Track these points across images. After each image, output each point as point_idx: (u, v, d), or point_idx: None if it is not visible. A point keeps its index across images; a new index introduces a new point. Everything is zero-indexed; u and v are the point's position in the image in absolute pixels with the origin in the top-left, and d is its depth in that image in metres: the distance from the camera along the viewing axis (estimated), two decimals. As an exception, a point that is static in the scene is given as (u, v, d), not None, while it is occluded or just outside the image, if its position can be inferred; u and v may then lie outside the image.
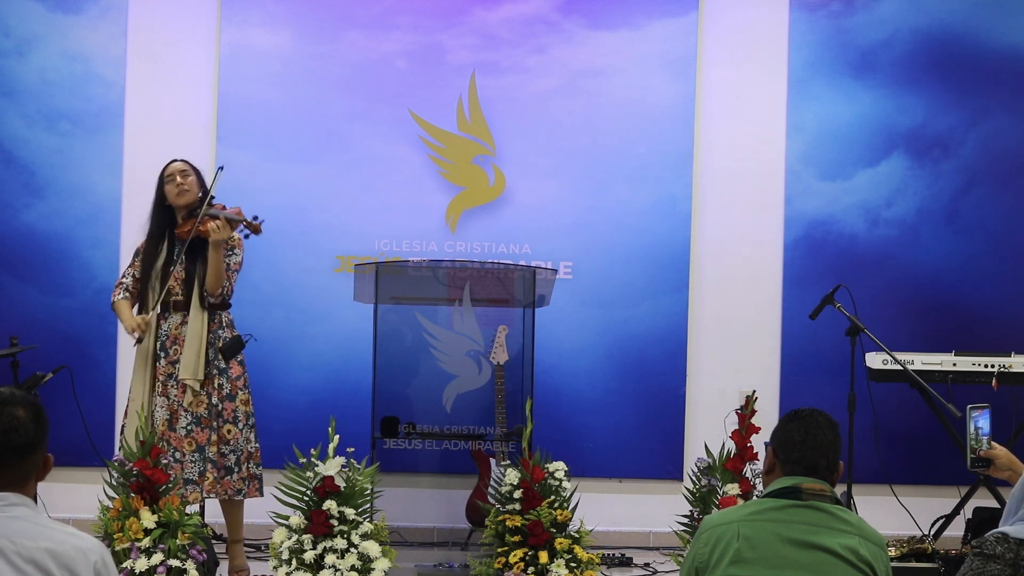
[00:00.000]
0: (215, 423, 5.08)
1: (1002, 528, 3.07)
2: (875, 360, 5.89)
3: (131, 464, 4.63)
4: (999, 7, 6.58)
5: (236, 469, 5.10)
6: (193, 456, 5.06)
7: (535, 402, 5.27)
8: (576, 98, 6.52)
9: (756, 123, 6.56)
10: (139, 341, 5.12)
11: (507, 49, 6.51)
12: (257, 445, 5.16)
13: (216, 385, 5.08)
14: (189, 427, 5.07)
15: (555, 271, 5.90)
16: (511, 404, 5.85)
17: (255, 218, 5.12)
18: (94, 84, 6.41)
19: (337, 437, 4.68)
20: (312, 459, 4.67)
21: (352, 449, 4.76)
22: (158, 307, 5.11)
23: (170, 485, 4.68)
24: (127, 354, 6.38)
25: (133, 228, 6.40)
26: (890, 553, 3.86)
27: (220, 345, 5.08)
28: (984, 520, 5.36)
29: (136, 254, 5.27)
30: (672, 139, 6.50)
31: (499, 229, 6.47)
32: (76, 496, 5.92)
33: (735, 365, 6.50)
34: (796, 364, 6.51)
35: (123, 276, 5.27)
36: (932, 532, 5.79)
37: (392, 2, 6.51)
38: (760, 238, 6.55)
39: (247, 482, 5.12)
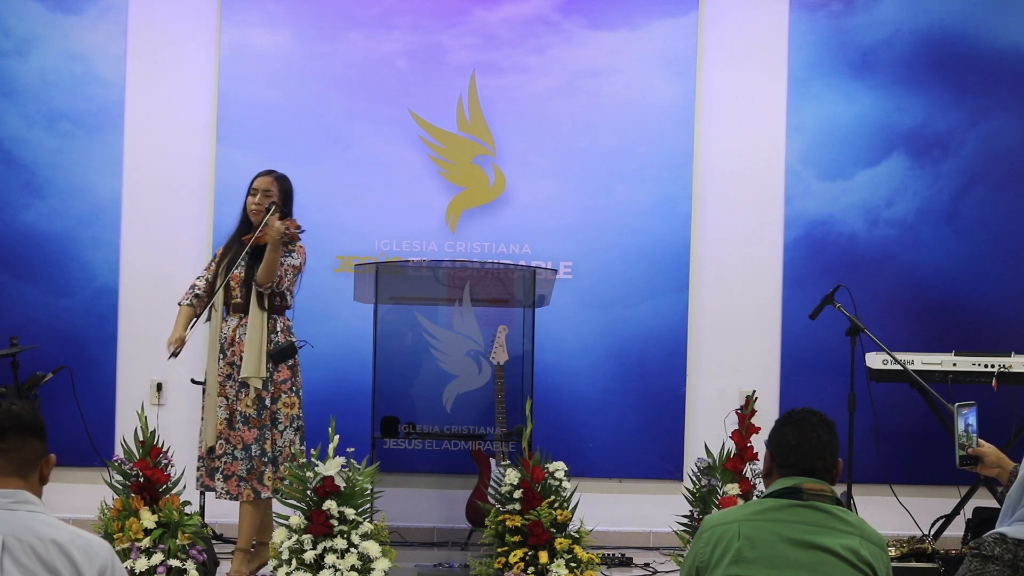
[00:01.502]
0: (266, 423, 5.18)
1: (1000, 529, 3.07)
2: (875, 360, 5.89)
3: (131, 464, 4.64)
4: (999, 7, 6.58)
5: (271, 468, 5.14)
6: (241, 454, 5.13)
7: (535, 402, 5.28)
8: (576, 98, 6.52)
9: (756, 123, 6.56)
10: (173, 355, 5.27)
11: (507, 49, 6.51)
12: (301, 448, 5.19)
13: (266, 387, 5.18)
14: (239, 425, 5.17)
15: (555, 271, 5.90)
16: (511, 404, 5.86)
17: (292, 240, 5.21)
18: (94, 84, 6.41)
19: (337, 437, 4.68)
20: (312, 459, 4.67)
21: (352, 449, 4.77)
22: (218, 309, 5.27)
23: (170, 485, 4.69)
24: (127, 354, 6.39)
25: (133, 228, 6.42)
26: (890, 553, 3.86)
27: (271, 349, 5.17)
28: (984, 520, 5.36)
29: (214, 257, 5.45)
30: (672, 139, 6.50)
31: (499, 229, 6.47)
32: (76, 496, 5.92)
33: (735, 365, 6.50)
34: (796, 364, 6.51)
35: (197, 278, 5.42)
36: (932, 532, 5.79)
37: (392, 2, 6.51)
38: (760, 238, 6.55)
39: (287, 483, 5.15)
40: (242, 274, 5.23)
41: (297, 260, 5.27)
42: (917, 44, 6.56)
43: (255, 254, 5.22)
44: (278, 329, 5.23)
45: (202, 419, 5.27)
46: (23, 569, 2.51)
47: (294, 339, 5.27)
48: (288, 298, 5.31)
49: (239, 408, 5.17)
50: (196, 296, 5.35)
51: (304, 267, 5.35)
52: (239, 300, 5.24)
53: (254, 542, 5.29)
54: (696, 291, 6.50)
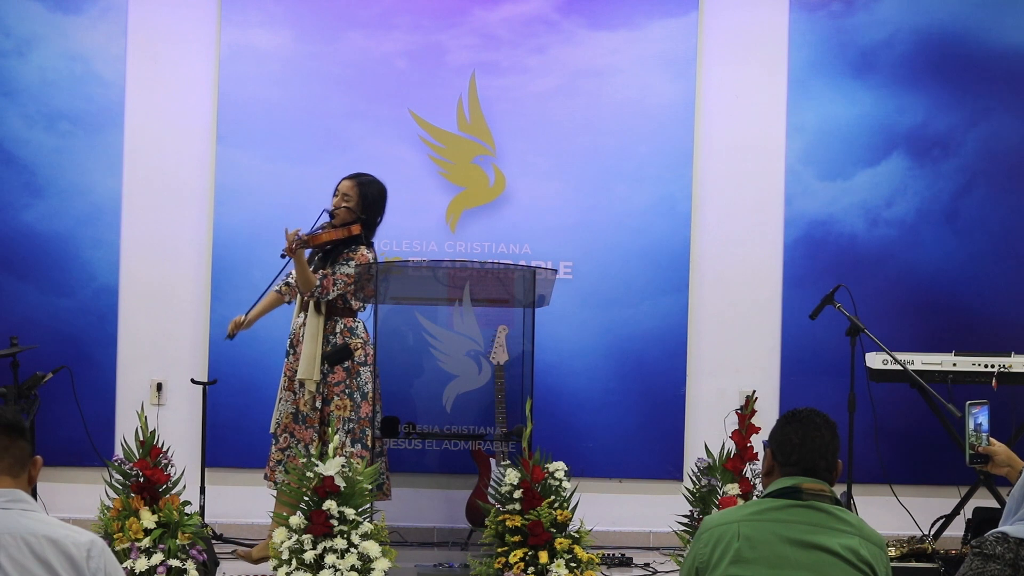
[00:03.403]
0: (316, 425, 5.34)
1: (1002, 528, 3.07)
2: (875, 360, 5.89)
3: (131, 464, 4.64)
4: (999, 7, 6.58)
5: None
6: (304, 452, 5.23)
7: (535, 402, 5.28)
8: (576, 98, 6.52)
9: (756, 123, 6.56)
10: (228, 336, 5.52)
11: (507, 49, 6.51)
12: (352, 451, 5.25)
13: (319, 389, 5.34)
14: (301, 424, 5.35)
15: (555, 271, 5.90)
16: (511, 404, 5.86)
17: (304, 244, 5.34)
18: (94, 84, 6.41)
19: (337, 437, 4.68)
20: (312, 459, 4.67)
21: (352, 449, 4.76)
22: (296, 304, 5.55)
23: (170, 485, 4.68)
24: (127, 354, 6.39)
25: (133, 228, 6.42)
26: (890, 553, 3.86)
27: (327, 350, 5.34)
28: (984, 520, 5.37)
29: None
30: (672, 139, 6.50)
31: (499, 229, 6.47)
32: (76, 496, 5.93)
33: (735, 365, 6.50)
34: (796, 364, 6.51)
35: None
36: (932, 532, 5.79)
37: (392, 2, 6.51)
38: (760, 238, 6.55)
39: None
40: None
41: (349, 268, 5.43)
42: (917, 44, 6.56)
43: (325, 255, 5.47)
44: (337, 330, 5.40)
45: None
46: (18, 566, 2.53)
47: (355, 340, 5.41)
48: (352, 301, 5.46)
49: (298, 407, 5.35)
50: (287, 284, 5.58)
51: (369, 275, 5.44)
52: (304, 299, 5.46)
53: None
54: (696, 291, 6.51)
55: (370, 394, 5.41)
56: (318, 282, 5.37)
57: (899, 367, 5.72)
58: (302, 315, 5.46)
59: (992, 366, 5.86)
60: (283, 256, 5.31)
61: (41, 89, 6.39)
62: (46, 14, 6.39)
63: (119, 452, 4.76)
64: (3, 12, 6.38)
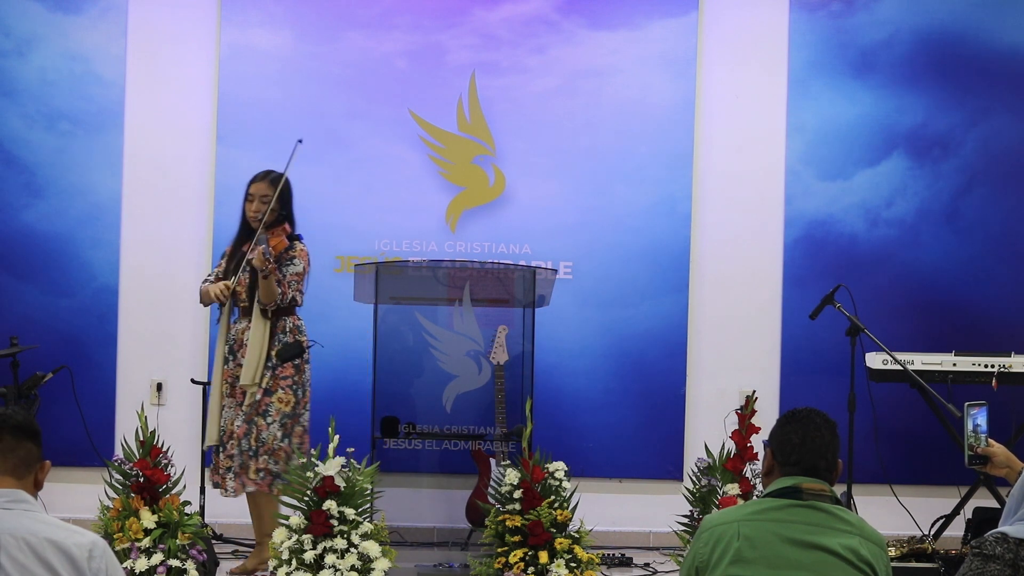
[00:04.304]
0: (254, 417, 5.23)
1: (1001, 528, 3.07)
2: (875, 360, 5.89)
3: (131, 464, 4.64)
4: (999, 7, 6.58)
5: (254, 461, 5.18)
6: (236, 449, 5.20)
7: (535, 402, 5.27)
8: (576, 98, 6.51)
9: (756, 123, 6.56)
10: (228, 298, 5.30)
11: (507, 49, 6.51)
12: (283, 444, 5.20)
13: (263, 383, 5.22)
14: (239, 423, 5.23)
15: (555, 271, 5.90)
16: (511, 404, 5.85)
17: (281, 261, 5.24)
18: (94, 84, 6.41)
19: (337, 437, 4.68)
20: (312, 459, 4.67)
21: (352, 449, 4.76)
22: (227, 311, 5.35)
23: (170, 485, 4.68)
24: (127, 354, 6.40)
25: (133, 228, 6.42)
26: (890, 553, 3.86)
27: (277, 348, 5.23)
28: (984, 520, 5.36)
29: (223, 255, 5.52)
30: (672, 139, 6.50)
31: (499, 229, 6.47)
32: (76, 496, 5.92)
33: (735, 365, 6.50)
34: (796, 364, 6.51)
35: (209, 275, 5.51)
36: (932, 532, 5.79)
37: (392, 2, 6.50)
38: (760, 238, 6.55)
39: (261, 475, 5.16)
40: (246, 281, 5.29)
41: (299, 266, 5.31)
42: (917, 44, 6.56)
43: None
44: (287, 329, 5.29)
45: (203, 418, 5.29)
46: (19, 567, 2.53)
47: (303, 338, 5.30)
48: (298, 297, 5.36)
49: (244, 409, 5.23)
50: (232, 291, 5.37)
51: (309, 268, 5.38)
52: (246, 304, 5.31)
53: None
54: (696, 291, 6.50)
55: (308, 393, 5.34)
56: (280, 289, 5.24)
57: (899, 367, 5.72)
58: (244, 321, 5.30)
59: (992, 366, 5.86)
60: (265, 277, 5.14)
61: (41, 89, 6.39)
62: (46, 14, 6.39)
63: (119, 452, 4.76)
64: (3, 12, 6.38)
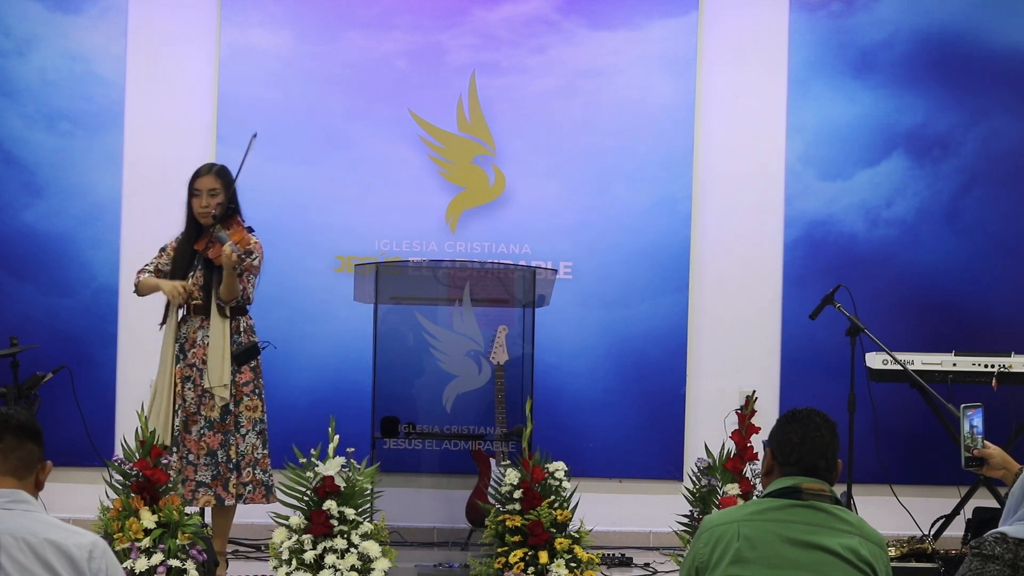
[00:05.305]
0: (230, 428, 5.12)
1: (1001, 528, 3.07)
2: (875, 360, 5.89)
3: (131, 464, 4.64)
4: (999, 7, 6.58)
5: (235, 474, 5.11)
6: (206, 460, 5.10)
7: (535, 402, 5.27)
8: (576, 98, 6.52)
9: (756, 123, 6.56)
10: (187, 301, 5.11)
11: (507, 49, 6.51)
12: (265, 452, 5.16)
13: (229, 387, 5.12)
14: (202, 431, 5.12)
15: (555, 271, 5.90)
16: (511, 404, 5.85)
17: (249, 254, 5.12)
18: (94, 84, 6.41)
19: (337, 437, 4.67)
20: (312, 459, 4.67)
21: (352, 449, 4.76)
22: (176, 310, 5.17)
23: (170, 485, 4.68)
24: (127, 354, 6.39)
25: (133, 228, 6.42)
26: (890, 553, 3.86)
27: (233, 351, 5.12)
28: (984, 520, 5.36)
29: (162, 250, 5.33)
30: (672, 139, 6.50)
31: (499, 229, 6.47)
32: (76, 496, 5.92)
33: (735, 365, 6.50)
34: (796, 364, 6.51)
35: (147, 265, 5.30)
36: (932, 532, 5.79)
37: (392, 2, 6.51)
38: (760, 238, 6.55)
39: (250, 488, 5.13)
40: (200, 279, 5.16)
41: (256, 261, 5.20)
42: (917, 44, 6.56)
43: (210, 260, 5.14)
44: (240, 329, 5.19)
45: (145, 418, 4.83)
46: (19, 567, 2.53)
47: (256, 339, 5.24)
48: (251, 294, 5.25)
49: (204, 413, 5.11)
50: (151, 273, 5.24)
51: (262, 261, 5.23)
52: (199, 302, 5.16)
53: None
54: (696, 291, 6.51)
55: (263, 394, 5.24)
56: (240, 285, 5.14)
57: (899, 367, 5.72)
58: (197, 319, 5.14)
59: (992, 366, 5.86)
60: (240, 274, 5.06)
61: (41, 89, 6.39)
62: (46, 14, 6.39)
63: (119, 452, 4.75)
64: (3, 12, 6.38)
